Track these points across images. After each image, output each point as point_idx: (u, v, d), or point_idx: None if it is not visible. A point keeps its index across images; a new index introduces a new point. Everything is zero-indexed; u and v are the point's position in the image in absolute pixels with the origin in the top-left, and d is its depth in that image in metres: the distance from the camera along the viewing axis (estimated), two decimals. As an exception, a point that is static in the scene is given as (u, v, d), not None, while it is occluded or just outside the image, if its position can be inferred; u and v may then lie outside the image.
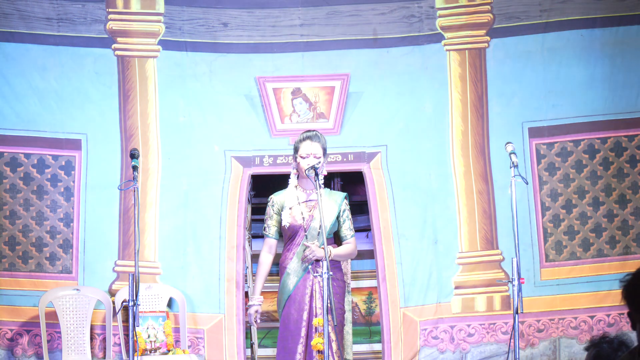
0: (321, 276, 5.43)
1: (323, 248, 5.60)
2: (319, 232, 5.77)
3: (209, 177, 7.23)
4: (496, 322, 7.23)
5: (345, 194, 6.03)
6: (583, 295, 7.26)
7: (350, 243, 5.94)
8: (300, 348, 5.74)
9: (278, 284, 5.92)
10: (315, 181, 5.66)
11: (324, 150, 5.84)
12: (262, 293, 5.94)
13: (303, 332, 5.76)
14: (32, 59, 7.15)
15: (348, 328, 6.13)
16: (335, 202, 5.92)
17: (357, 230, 8.19)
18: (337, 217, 5.90)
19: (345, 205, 5.94)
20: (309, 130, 5.92)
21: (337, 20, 7.34)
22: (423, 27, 7.34)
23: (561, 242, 7.30)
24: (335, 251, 5.81)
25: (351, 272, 8.13)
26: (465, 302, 7.24)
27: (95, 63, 7.22)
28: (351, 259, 6.23)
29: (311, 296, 5.79)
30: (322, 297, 5.47)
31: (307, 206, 5.86)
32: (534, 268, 7.24)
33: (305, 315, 5.76)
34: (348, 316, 6.04)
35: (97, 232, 7.16)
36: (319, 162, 5.76)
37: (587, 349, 3.61)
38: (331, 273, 5.46)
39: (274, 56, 7.32)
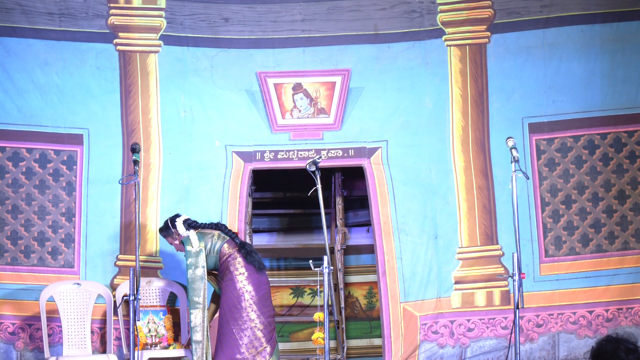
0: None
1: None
2: None
3: (210, 172, 7.25)
4: (495, 317, 7.26)
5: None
6: (582, 291, 7.28)
7: None
8: None
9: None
10: (316, 177, 5.96)
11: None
12: None
13: None
14: (34, 54, 7.16)
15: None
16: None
17: (358, 225, 8.24)
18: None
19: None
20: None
21: (338, 16, 7.36)
22: (424, 22, 7.36)
23: (560, 238, 7.32)
24: None
25: (352, 267, 8.18)
26: (465, 297, 7.27)
27: (97, 58, 7.23)
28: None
29: None
30: None
31: None
32: (533, 263, 7.27)
33: None
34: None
35: (98, 226, 7.18)
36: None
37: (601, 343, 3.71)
38: None
39: (275, 51, 7.34)
